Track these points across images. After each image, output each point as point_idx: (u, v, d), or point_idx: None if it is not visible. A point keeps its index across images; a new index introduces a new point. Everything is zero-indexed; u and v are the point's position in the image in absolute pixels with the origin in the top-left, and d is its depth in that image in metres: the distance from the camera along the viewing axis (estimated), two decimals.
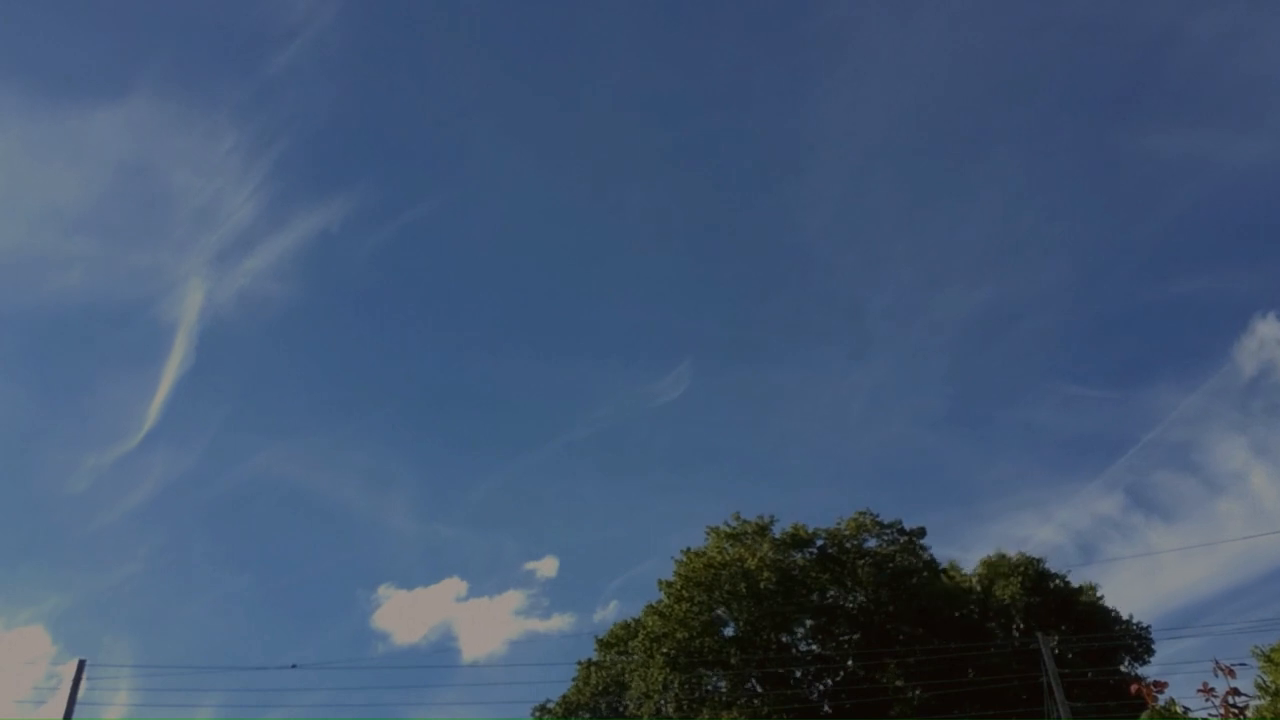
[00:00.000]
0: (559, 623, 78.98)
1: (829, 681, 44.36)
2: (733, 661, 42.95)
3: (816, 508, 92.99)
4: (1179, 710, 7.92)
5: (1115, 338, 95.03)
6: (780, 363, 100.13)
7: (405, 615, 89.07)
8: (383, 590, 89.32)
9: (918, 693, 40.23)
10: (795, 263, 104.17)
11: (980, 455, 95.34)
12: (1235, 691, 7.27)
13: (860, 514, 46.87)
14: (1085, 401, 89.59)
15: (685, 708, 42.00)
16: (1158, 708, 7.76)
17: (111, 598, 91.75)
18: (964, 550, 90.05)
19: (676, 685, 42.33)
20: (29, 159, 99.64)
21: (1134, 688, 7.71)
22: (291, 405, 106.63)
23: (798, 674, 44.29)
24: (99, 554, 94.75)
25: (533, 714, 47.15)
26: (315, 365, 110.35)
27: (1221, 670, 7.39)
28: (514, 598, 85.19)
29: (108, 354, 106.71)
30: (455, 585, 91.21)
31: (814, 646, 44.75)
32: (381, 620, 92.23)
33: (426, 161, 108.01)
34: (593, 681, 46.09)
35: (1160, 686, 7.73)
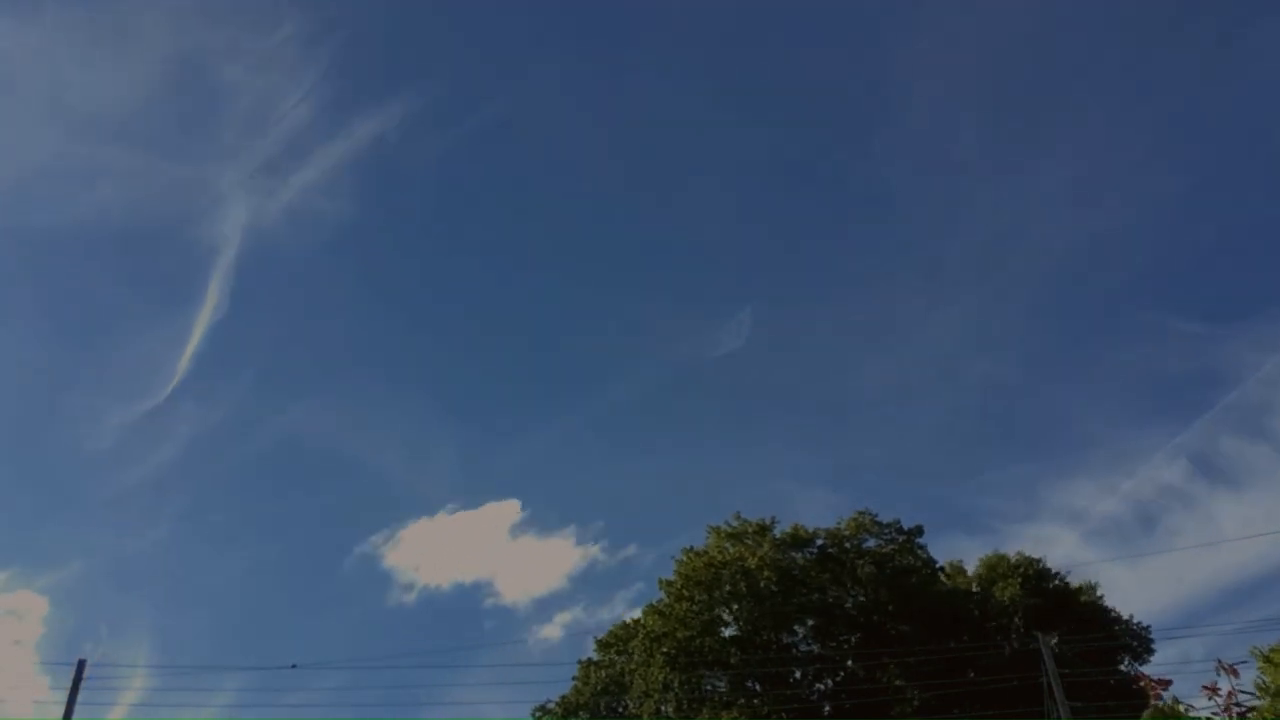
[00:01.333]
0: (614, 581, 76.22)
1: (829, 681, 44.38)
2: (733, 661, 42.97)
3: (891, 463, 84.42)
4: (1181, 709, 7.95)
5: (1203, 281, 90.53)
6: (853, 308, 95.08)
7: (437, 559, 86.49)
8: (412, 536, 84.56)
9: (917, 693, 40.26)
10: (874, 205, 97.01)
11: (1060, 403, 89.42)
12: (1239, 691, 7.30)
13: (860, 514, 46.99)
14: (1168, 350, 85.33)
15: (685, 708, 42.02)
16: (1159, 705, 7.79)
17: (131, 566, 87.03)
18: (1034, 508, 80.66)
19: (676, 685, 42.35)
20: (69, 53, 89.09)
21: (1140, 682, 7.74)
22: (332, 348, 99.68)
23: (798, 674, 44.31)
24: (120, 517, 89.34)
25: (533, 714, 47.17)
26: (361, 298, 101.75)
27: (1224, 669, 7.41)
28: (563, 549, 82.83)
29: (140, 285, 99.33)
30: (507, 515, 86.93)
31: (814, 646, 44.76)
32: (404, 567, 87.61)
33: (491, 63, 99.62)
34: (593, 681, 46.11)
35: (1164, 684, 7.76)
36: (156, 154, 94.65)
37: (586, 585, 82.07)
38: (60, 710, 33.48)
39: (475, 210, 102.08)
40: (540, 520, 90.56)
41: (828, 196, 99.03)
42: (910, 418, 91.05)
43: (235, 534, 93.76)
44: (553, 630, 73.64)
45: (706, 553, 45.39)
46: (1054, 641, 39.25)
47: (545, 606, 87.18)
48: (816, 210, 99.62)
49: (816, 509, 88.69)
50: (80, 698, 33.73)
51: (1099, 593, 46.77)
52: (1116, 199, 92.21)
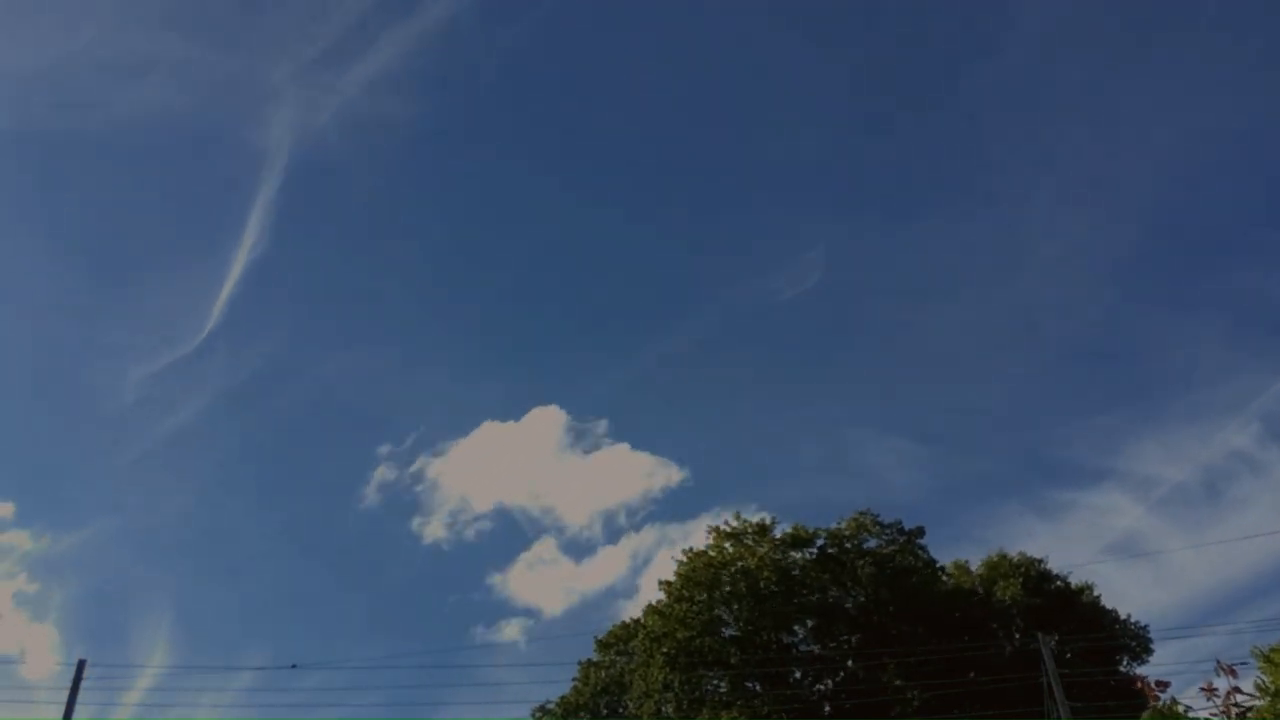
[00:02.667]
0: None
1: (829, 682, 44.36)
2: (733, 661, 42.97)
3: (972, 411, 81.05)
4: (1180, 709, 7.95)
5: None
6: (933, 250, 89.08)
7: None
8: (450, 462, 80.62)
9: (918, 693, 40.24)
10: (960, 143, 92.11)
11: (1159, 343, 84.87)
12: (1236, 690, 7.28)
13: (860, 514, 47.01)
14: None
15: (685, 708, 42.01)
16: (1159, 706, 7.78)
17: (154, 534, 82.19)
18: (1111, 464, 76.49)
19: (676, 685, 42.34)
20: None
21: (1138, 684, 7.73)
22: (381, 282, 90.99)
23: (798, 674, 44.29)
24: (143, 480, 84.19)
25: (533, 714, 47.20)
26: (417, 222, 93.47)
27: (1223, 670, 7.40)
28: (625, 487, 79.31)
29: (179, 204, 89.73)
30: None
31: (814, 647, 44.74)
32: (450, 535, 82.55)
33: None
34: (592, 681, 46.12)
35: (1163, 686, 7.75)
36: (204, 43, 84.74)
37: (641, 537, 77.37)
38: (60, 710, 33.54)
39: (548, 112, 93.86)
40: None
41: (911, 134, 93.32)
42: (995, 363, 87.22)
43: (267, 495, 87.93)
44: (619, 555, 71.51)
45: (706, 553, 45.40)
46: (1054, 642, 39.25)
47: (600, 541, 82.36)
48: (897, 147, 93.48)
49: (892, 461, 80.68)
50: (80, 698, 33.79)
51: (1097, 593, 46.91)
52: (1227, 107, 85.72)
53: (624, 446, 76.77)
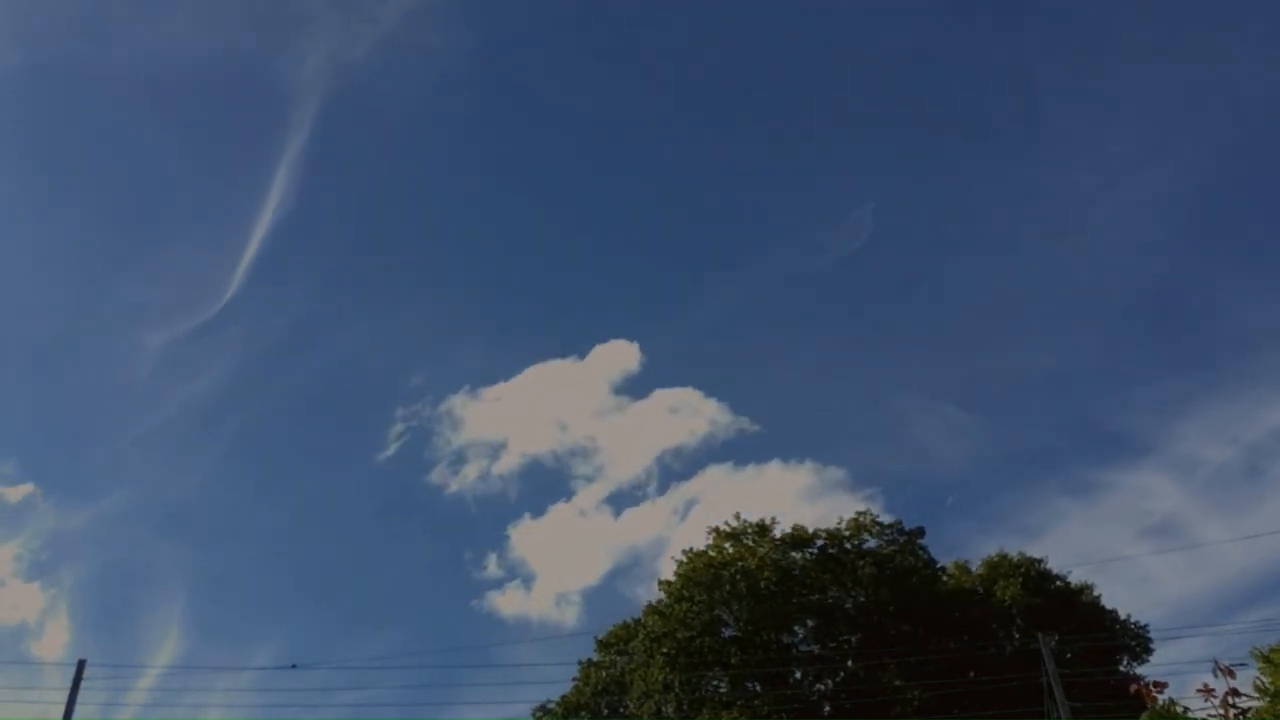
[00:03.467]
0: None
1: (829, 682, 44.36)
2: (733, 661, 42.96)
3: (1028, 375, 78.79)
4: (1179, 710, 7.93)
5: None
6: (988, 209, 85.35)
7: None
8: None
9: (918, 693, 40.23)
10: (1018, 97, 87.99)
11: (1224, 298, 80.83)
12: (1235, 692, 7.27)
13: (860, 514, 47.16)
14: None
15: (685, 708, 42.01)
16: (1158, 708, 7.77)
17: (171, 508, 79.89)
18: (1171, 439, 75.20)
19: (677, 685, 42.33)
20: None
21: (1134, 688, 7.71)
22: (415, 239, 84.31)
23: (798, 674, 44.30)
24: (160, 452, 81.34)
25: (533, 714, 47.16)
26: (462, 159, 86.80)
27: (1221, 671, 7.39)
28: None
29: (206, 148, 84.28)
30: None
31: (814, 647, 44.75)
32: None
33: None
34: (593, 681, 46.11)
35: (1160, 686, 7.74)
36: None
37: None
38: (60, 710, 33.55)
39: (607, 57, 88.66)
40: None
41: (969, 83, 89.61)
42: (1052, 324, 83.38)
43: (288, 468, 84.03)
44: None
45: (706, 553, 45.43)
46: (1054, 642, 39.22)
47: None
48: (955, 98, 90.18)
49: (940, 430, 78.10)
50: (80, 697, 33.80)
51: (1097, 592, 46.90)
52: None
53: (683, 390, 75.06)
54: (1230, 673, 7.44)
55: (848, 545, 46.29)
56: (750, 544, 45.26)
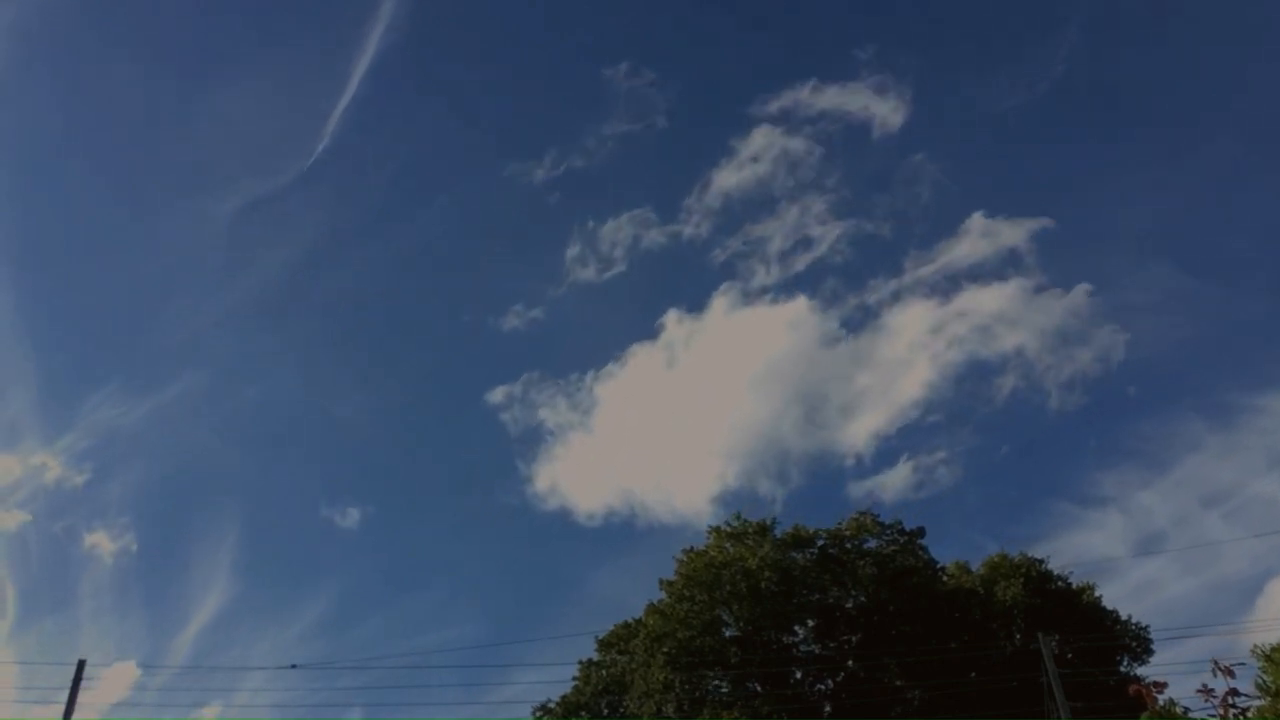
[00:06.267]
0: None
1: (829, 682, 44.37)
2: (733, 661, 42.95)
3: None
4: (1179, 711, 7.91)
5: None
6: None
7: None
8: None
9: (918, 693, 40.23)
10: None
11: None
12: (1235, 692, 7.25)
13: (860, 514, 47.16)
14: None
15: (686, 708, 41.99)
16: (1157, 708, 7.74)
17: (236, 407, 78.73)
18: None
19: (677, 685, 42.32)
20: None
21: (1133, 689, 7.69)
22: (533, 89, 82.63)
23: (798, 674, 44.29)
24: (226, 342, 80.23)
25: (533, 714, 47.16)
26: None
27: (1220, 670, 7.37)
28: None
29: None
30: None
31: (814, 647, 44.76)
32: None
33: None
34: (593, 681, 46.11)
35: (1160, 687, 7.71)
36: None
37: None
38: (60, 710, 33.55)
39: None
40: None
41: None
42: None
43: (366, 368, 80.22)
44: None
45: (707, 553, 45.41)
46: (1054, 642, 39.19)
47: None
48: None
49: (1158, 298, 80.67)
50: (80, 698, 33.80)
51: (1098, 593, 46.84)
52: None
53: None
54: (1230, 672, 7.41)
55: (848, 545, 46.29)
56: (751, 544, 45.24)
